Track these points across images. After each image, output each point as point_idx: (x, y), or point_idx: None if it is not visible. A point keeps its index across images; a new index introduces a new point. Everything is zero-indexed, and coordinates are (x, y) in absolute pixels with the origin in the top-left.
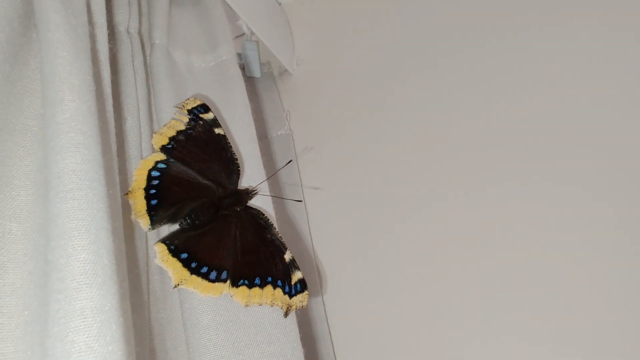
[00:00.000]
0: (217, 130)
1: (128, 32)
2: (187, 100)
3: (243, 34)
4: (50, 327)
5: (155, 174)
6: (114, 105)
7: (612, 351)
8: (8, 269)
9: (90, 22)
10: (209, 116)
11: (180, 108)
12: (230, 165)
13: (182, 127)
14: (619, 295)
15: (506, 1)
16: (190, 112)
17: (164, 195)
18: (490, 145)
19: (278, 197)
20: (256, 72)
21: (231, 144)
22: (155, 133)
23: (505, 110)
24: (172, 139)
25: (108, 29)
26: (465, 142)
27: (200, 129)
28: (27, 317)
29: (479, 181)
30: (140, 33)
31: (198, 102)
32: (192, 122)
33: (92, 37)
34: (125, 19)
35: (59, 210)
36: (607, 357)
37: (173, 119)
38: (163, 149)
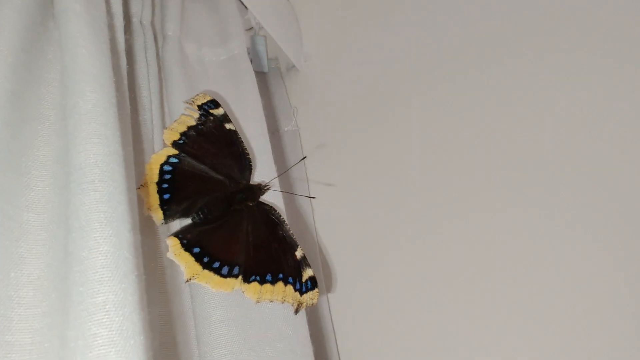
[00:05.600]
0: (227, 126)
1: (141, 24)
2: (197, 96)
3: (251, 28)
4: (71, 319)
5: (167, 168)
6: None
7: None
8: (26, 259)
9: (109, 12)
10: (219, 112)
11: (190, 104)
12: (242, 160)
13: (193, 123)
14: (619, 305)
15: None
16: (200, 107)
17: (176, 189)
18: (502, 143)
19: (290, 192)
20: (264, 67)
21: (242, 139)
22: (166, 128)
23: (512, 111)
24: (183, 134)
25: (124, 20)
26: (477, 139)
27: (210, 124)
28: (45, 309)
29: (491, 182)
30: (152, 25)
31: (208, 98)
32: (203, 118)
33: (111, 27)
34: (138, 9)
35: (80, 201)
36: None
37: (183, 114)
38: (174, 144)
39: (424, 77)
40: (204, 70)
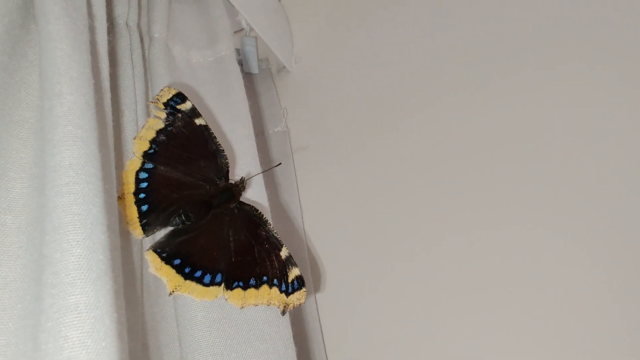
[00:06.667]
0: (198, 122)
1: (127, 25)
2: (161, 92)
3: (242, 30)
4: (43, 321)
5: (143, 175)
6: (111, 99)
7: None
8: (1, 261)
9: (90, 15)
10: (186, 106)
11: (155, 102)
12: (217, 158)
13: (161, 125)
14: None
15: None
16: (166, 105)
17: (154, 199)
18: (492, 143)
19: (264, 171)
20: (254, 68)
21: (215, 135)
22: (135, 138)
23: (509, 108)
24: (152, 141)
25: (107, 21)
26: (467, 143)
27: (180, 123)
28: (20, 311)
29: (487, 181)
30: (139, 26)
31: (173, 92)
32: (171, 117)
33: (92, 29)
34: (124, 11)
35: (54, 204)
36: None
37: (150, 117)
38: (145, 155)
39: (416, 78)
40: (191, 71)
